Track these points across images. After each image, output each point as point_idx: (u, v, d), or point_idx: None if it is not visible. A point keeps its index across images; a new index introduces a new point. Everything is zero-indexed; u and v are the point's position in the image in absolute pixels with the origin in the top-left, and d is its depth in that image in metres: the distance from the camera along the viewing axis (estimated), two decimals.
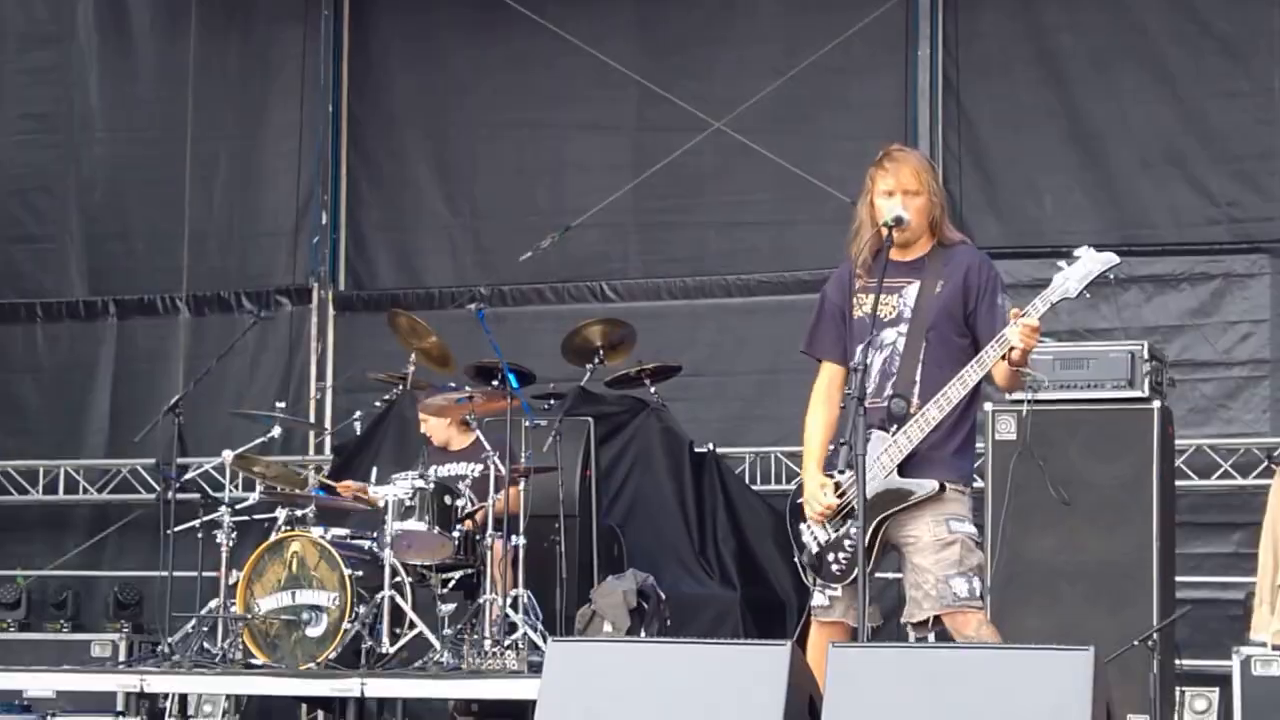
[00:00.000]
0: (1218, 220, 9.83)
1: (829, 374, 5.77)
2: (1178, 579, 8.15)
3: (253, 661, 8.46)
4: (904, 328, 5.61)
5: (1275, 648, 7.67)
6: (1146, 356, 7.93)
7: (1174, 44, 9.99)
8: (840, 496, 5.56)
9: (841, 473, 5.53)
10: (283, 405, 9.50)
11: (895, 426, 5.52)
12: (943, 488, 5.51)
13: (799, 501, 5.69)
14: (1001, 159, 10.26)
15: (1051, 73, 10.17)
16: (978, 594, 5.51)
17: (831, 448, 5.66)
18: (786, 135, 10.51)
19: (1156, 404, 7.90)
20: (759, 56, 10.67)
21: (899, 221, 5.63)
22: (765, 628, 9.28)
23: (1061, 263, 5.52)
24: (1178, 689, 8.19)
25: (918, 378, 5.56)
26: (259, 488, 9.28)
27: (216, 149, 11.58)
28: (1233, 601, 9.06)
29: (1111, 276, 5.51)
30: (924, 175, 5.73)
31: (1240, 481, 9.50)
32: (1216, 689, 8.45)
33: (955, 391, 5.51)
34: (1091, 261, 5.50)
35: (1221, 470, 9.54)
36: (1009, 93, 10.29)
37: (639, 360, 9.74)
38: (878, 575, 5.72)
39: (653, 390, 9.80)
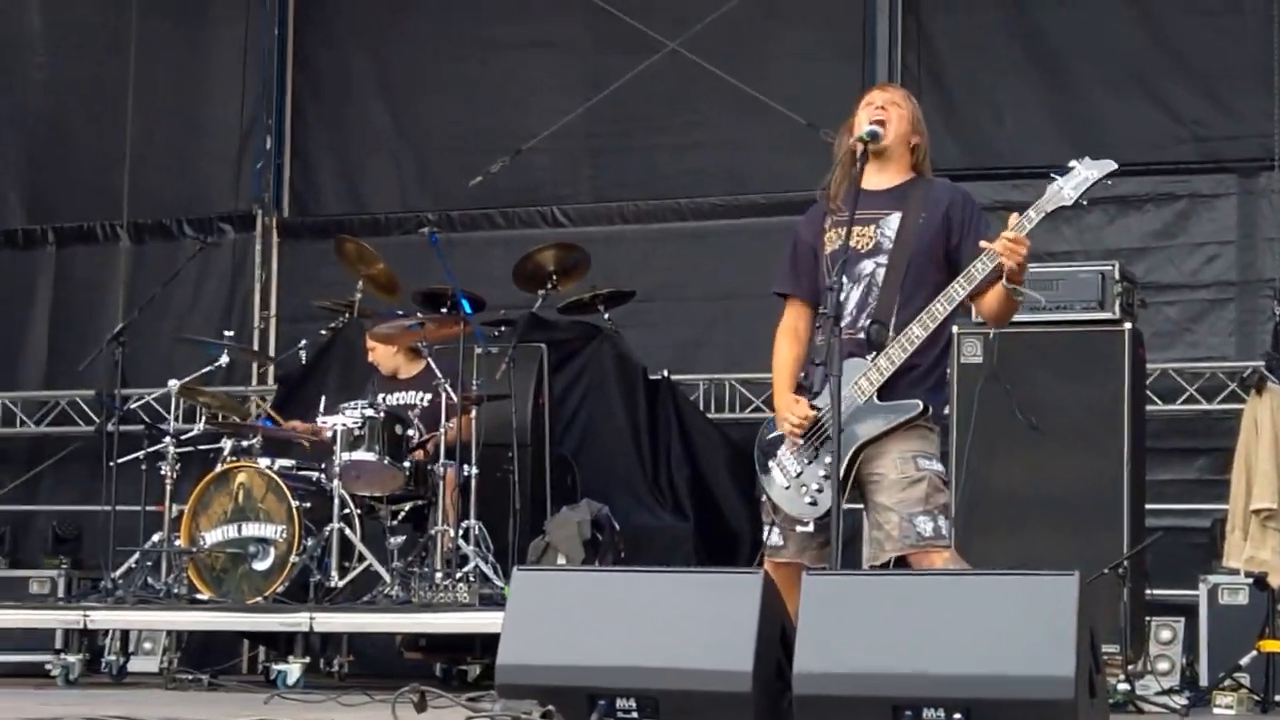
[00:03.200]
0: (1184, 140, 9.63)
1: (797, 310, 5.50)
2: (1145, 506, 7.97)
3: (198, 596, 8.33)
4: (883, 258, 5.35)
5: (1248, 574, 7.51)
6: (1117, 277, 7.77)
7: None
8: (811, 427, 5.27)
9: (817, 395, 5.25)
10: (230, 334, 9.31)
11: (875, 353, 5.25)
12: (926, 409, 5.25)
13: (769, 437, 5.42)
14: (961, 78, 10.05)
15: None
16: (944, 532, 5.25)
17: (801, 375, 5.40)
18: (742, 55, 10.28)
19: (1127, 326, 7.74)
20: None
21: (874, 137, 5.37)
22: (718, 559, 9.15)
23: (1055, 173, 5.25)
24: (1145, 618, 8.02)
25: (896, 308, 5.29)
26: (202, 418, 9.02)
27: (159, 72, 11.29)
28: (1197, 530, 8.91)
29: (1110, 183, 5.23)
30: (911, 100, 5.55)
31: (1205, 406, 9.36)
32: (1182, 619, 8.32)
33: (940, 308, 5.24)
34: (1088, 168, 5.23)
35: (1186, 395, 9.39)
36: (970, 10, 10.07)
37: (592, 285, 9.54)
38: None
39: (606, 316, 9.62)
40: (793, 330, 5.49)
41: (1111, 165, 5.23)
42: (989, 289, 5.27)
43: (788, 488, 5.33)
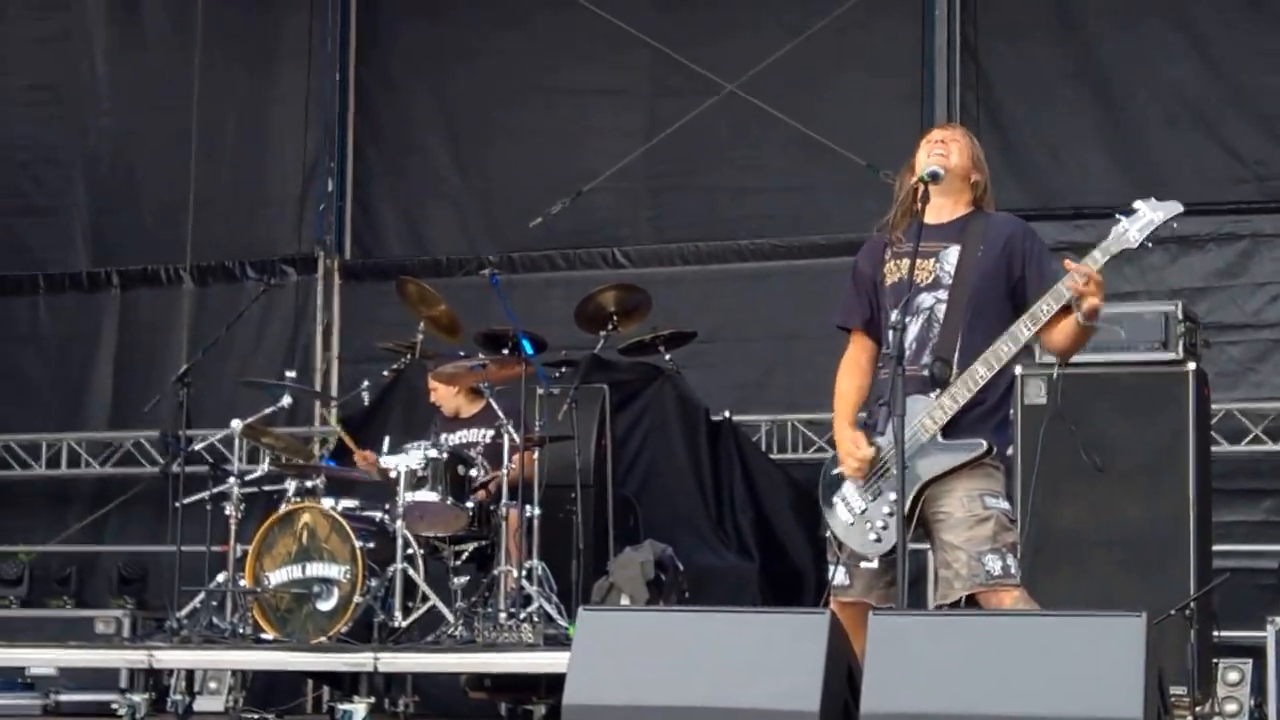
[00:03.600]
0: (1245, 179, 9.61)
1: (859, 344, 5.54)
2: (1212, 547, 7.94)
3: (263, 636, 8.37)
4: (943, 293, 5.36)
5: None
6: (1180, 317, 7.75)
7: None
8: (874, 464, 5.30)
9: (880, 434, 5.26)
10: (292, 375, 9.38)
11: (938, 390, 5.25)
12: (990, 449, 5.25)
13: (834, 473, 5.43)
14: (1021, 119, 10.05)
15: (1072, 29, 9.96)
16: (1012, 571, 5.25)
17: (864, 414, 5.43)
18: (801, 97, 10.31)
19: (1191, 366, 7.72)
20: (773, 17, 10.47)
21: (935, 177, 5.39)
22: (783, 599, 9.14)
23: (1120, 214, 5.25)
24: (1213, 660, 7.97)
25: (959, 343, 5.30)
26: (266, 459, 9.09)
27: (222, 117, 11.39)
28: (1264, 570, 8.88)
29: (1174, 225, 5.24)
30: (971, 138, 5.61)
31: (1271, 447, 9.32)
32: (1250, 660, 8.26)
33: (1005, 348, 5.24)
34: (1153, 211, 5.23)
35: (1251, 435, 9.36)
36: (1028, 50, 10.07)
37: (653, 326, 9.55)
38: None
39: (667, 357, 9.63)
40: (855, 363, 5.52)
41: (1177, 208, 5.23)
42: (1056, 323, 5.27)
43: (852, 524, 5.34)
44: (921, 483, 5.24)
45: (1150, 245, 5.25)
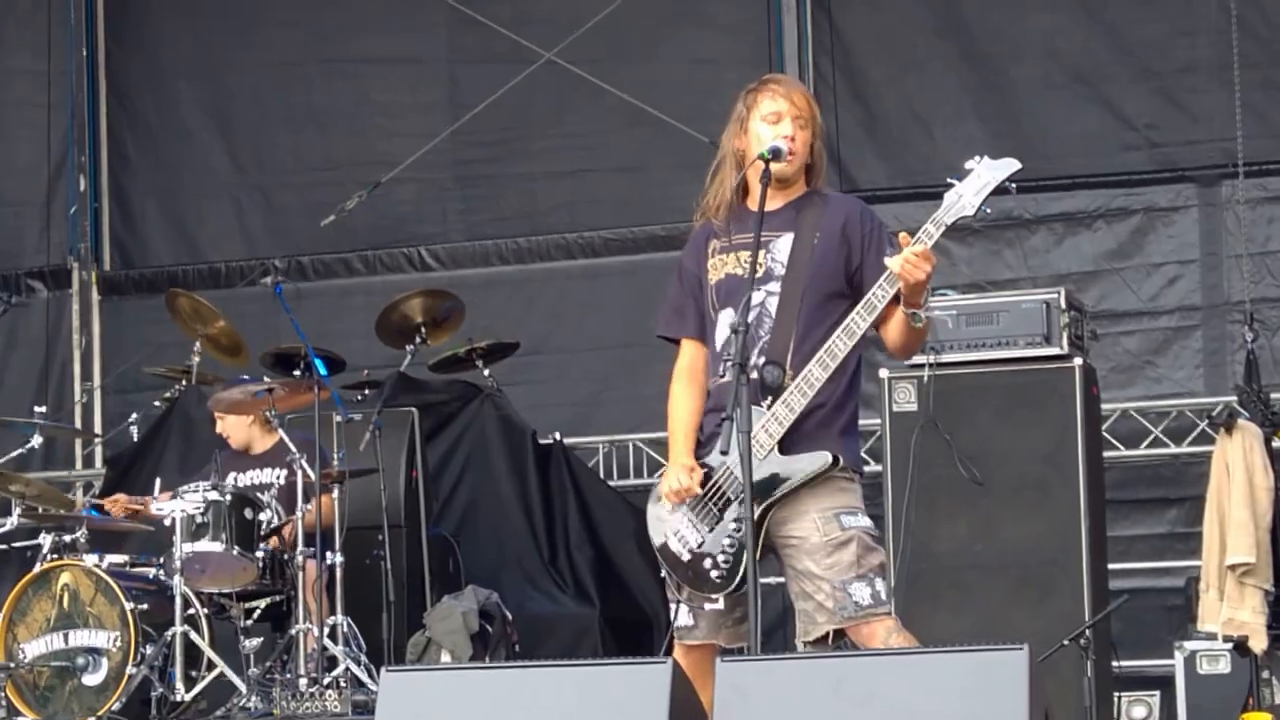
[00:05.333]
0: (1136, 146, 9.87)
1: (691, 353, 5.66)
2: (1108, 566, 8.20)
3: (19, 719, 8.32)
4: (775, 286, 5.49)
5: (1226, 639, 7.73)
6: (1064, 306, 7.96)
7: None
8: (707, 487, 5.43)
9: (724, 451, 5.39)
10: (42, 410, 9.35)
11: (771, 399, 5.39)
12: (836, 461, 5.40)
13: (659, 504, 5.59)
14: (883, 85, 10.28)
15: None
16: (883, 598, 5.40)
17: (703, 436, 5.55)
18: (631, 64, 10.49)
19: (1078, 361, 7.92)
20: None
21: (776, 154, 5.48)
22: (630, 648, 9.30)
23: (952, 179, 5.40)
24: (1114, 693, 8.24)
25: (793, 344, 5.43)
26: (16, 510, 9.07)
27: None
28: (1171, 590, 9.16)
29: (1012, 186, 5.37)
30: (815, 107, 5.66)
31: (1173, 450, 9.59)
32: (1157, 692, 8.49)
33: (840, 345, 5.36)
34: (989, 171, 5.36)
35: (1151, 437, 9.63)
36: (890, 6, 10.29)
37: (468, 338, 9.72)
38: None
39: (486, 373, 9.79)
40: (688, 374, 5.62)
41: (1014, 165, 5.38)
42: (890, 317, 5.40)
43: (690, 560, 5.47)
44: (761, 507, 5.35)
45: (989, 211, 5.39)
